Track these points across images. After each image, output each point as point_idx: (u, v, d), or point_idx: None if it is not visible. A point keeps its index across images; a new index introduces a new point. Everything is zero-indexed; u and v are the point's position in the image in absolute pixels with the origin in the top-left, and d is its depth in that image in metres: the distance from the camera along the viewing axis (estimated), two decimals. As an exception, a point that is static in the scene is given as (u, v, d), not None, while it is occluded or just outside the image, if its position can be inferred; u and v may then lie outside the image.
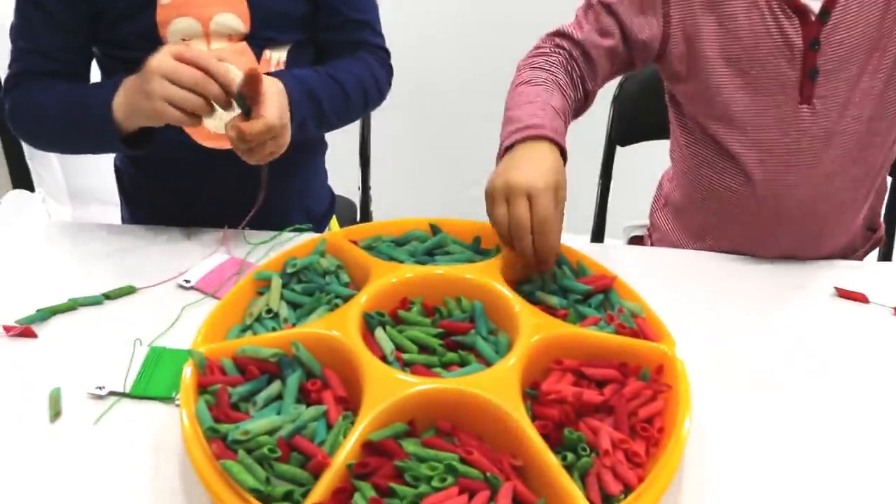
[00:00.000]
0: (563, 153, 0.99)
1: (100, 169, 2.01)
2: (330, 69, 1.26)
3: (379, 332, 0.85)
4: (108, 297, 1.04)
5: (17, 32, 1.19)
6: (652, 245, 1.44)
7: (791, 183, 1.17)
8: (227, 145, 1.14)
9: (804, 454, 0.87)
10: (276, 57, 1.23)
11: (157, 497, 0.78)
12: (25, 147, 2.50)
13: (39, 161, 2.56)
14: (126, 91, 1.05)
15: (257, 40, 1.21)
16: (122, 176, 1.38)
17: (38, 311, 1.00)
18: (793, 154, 1.15)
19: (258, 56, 1.21)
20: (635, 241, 1.57)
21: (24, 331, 0.96)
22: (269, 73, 1.10)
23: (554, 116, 1.03)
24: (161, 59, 0.99)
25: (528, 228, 0.90)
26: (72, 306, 1.02)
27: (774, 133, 1.15)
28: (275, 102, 1.04)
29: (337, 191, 1.57)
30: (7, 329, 0.97)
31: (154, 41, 1.14)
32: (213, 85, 0.98)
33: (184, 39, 1.17)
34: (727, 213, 1.24)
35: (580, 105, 1.18)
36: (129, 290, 1.05)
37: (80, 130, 1.13)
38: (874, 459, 0.87)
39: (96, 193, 2.32)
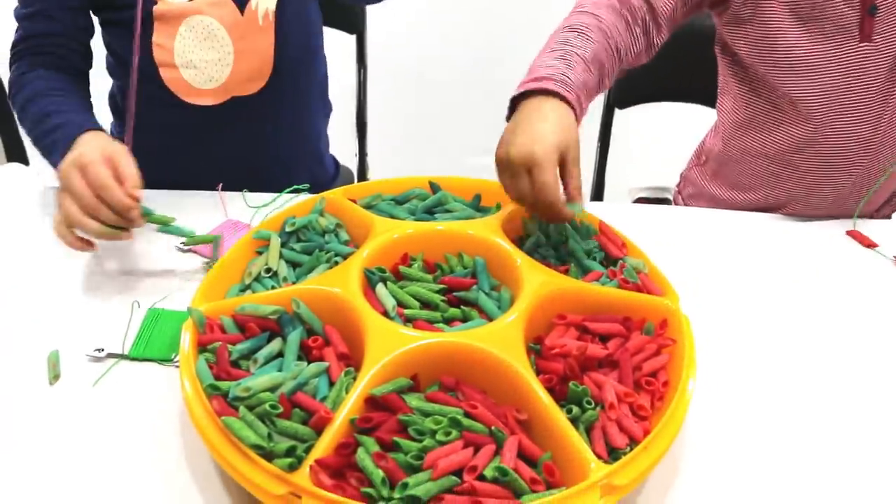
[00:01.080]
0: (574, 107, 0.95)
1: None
2: None
3: (380, 289, 0.84)
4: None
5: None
6: (684, 201, 1.43)
7: (851, 123, 1.16)
8: (213, 100, 1.15)
9: (808, 407, 0.86)
10: (264, 7, 1.19)
11: (157, 457, 0.77)
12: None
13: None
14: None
15: None
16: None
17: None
18: (854, 94, 1.14)
19: (241, 7, 1.18)
20: (640, 202, 1.56)
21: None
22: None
23: (574, 66, 0.98)
24: (69, 174, 0.94)
25: (532, 201, 0.88)
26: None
27: (835, 74, 1.13)
28: None
29: (333, 158, 1.56)
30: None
31: None
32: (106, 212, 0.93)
33: None
34: (783, 162, 1.23)
35: (637, 54, 1.13)
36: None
37: (42, 147, 1.11)
38: (875, 409, 0.87)
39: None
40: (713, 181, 1.36)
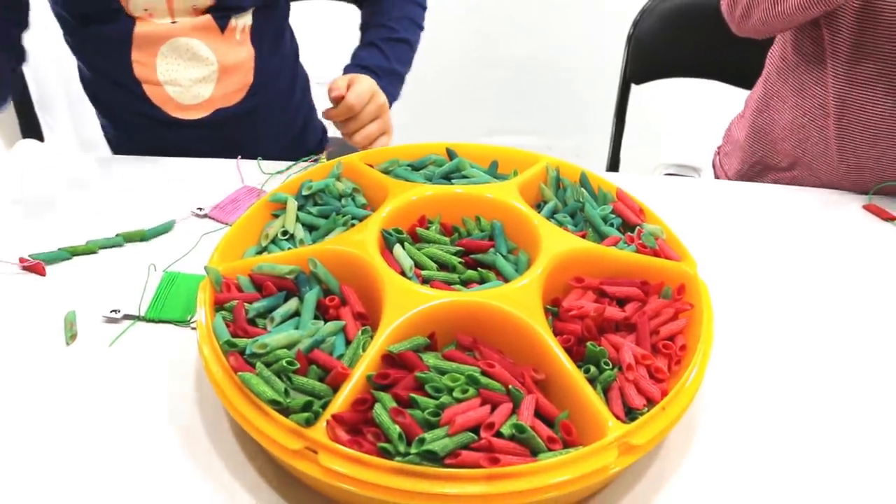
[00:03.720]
0: None
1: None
2: (388, 31, 1.27)
3: (398, 249, 0.84)
4: (126, 238, 1.01)
5: None
6: (720, 160, 1.43)
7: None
8: (198, 115, 1.18)
9: (824, 374, 0.86)
10: (242, 23, 1.21)
11: (172, 415, 0.77)
12: (35, 97, 2.48)
13: (49, 111, 2.55)
14: None
15: (221, 11, 1.17)
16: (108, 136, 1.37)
17: (59, 249, 0.98)
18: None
19: (223, 27, 1.19)
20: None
21: (35, 266, 0.95)
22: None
23: None
24: None
25: None
26: (91, 249, 0.99)
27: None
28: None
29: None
30: (22, 261, 0.95)
31: (117, 11, 1.12)
32: None
33: (146, 10, 1.13)
34: (813, 116, 1.23)
35: None
36: (141, 235, 1.02)
37: None
38: (891, 376, 0.86)
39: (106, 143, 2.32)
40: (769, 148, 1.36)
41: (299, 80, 1.41)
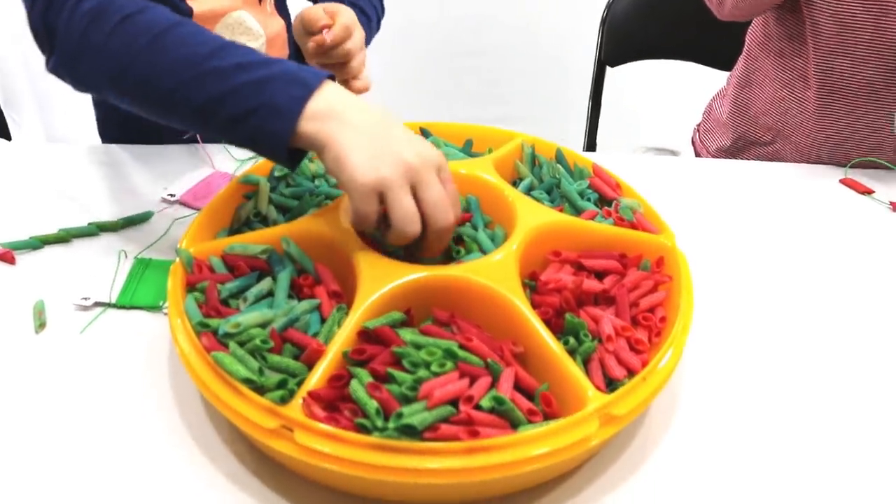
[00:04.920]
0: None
1: (79, 114, 1.98)
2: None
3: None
4: (100, 227, 0.99)
5: None
6: (700, 137, 1.43)
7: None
8: None
9: (802, 344, 0.86)
10: None
11: (145, 402, 0.76)
12: (1, 94, 2.45)
13: (16, 108, 2.52)
14: (338, 110, 0.76)
15: None
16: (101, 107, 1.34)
17: (31, 238, 0.96)
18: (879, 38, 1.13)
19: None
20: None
21: (3, 255, 0.93)
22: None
23: None
24: (437, 156, 0.77)
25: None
26: (64, 238, 0.97)
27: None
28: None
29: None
30: None
31: None
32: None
33: None
34: (793, 88, 1.23)
35: None
36: (116, 226, 0.99)
37: (207, 109, 0.78)
38: (871, 348, 0.87)
39: (75, 139, 2.29)
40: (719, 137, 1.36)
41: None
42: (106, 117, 1.34)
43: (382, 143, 0.74)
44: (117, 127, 1.30)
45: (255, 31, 1.17)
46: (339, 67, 1.09)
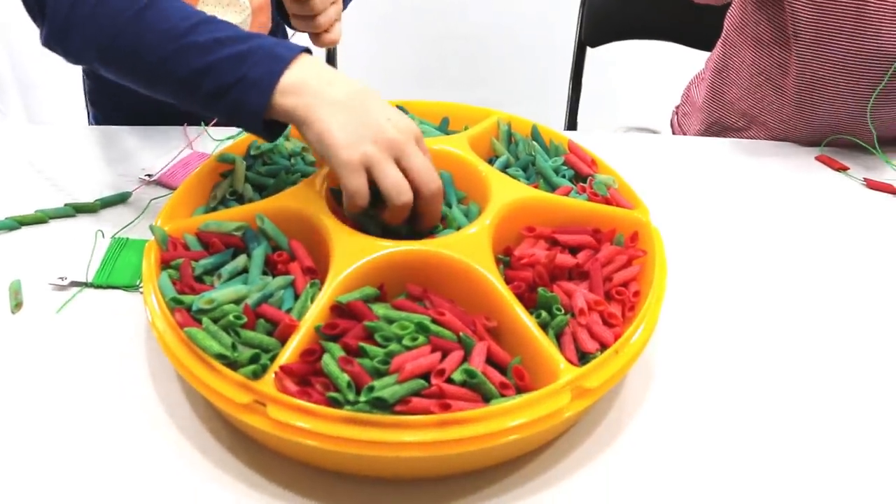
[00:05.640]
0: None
1: (64, 98, 1.97)
2: None
3: None
4: (77, 209, 0.99)
5: None
6: (678, 120, 1.44)
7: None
8: None
9: (775, 317, 0.87)
10: None
11: (121, 380, 0.76)
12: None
13: (0, 97, 2.51)
14: (313, 85, 0.77)
15: None
16: (92, 85, 1.33)
17: (7, 219, 0.95)
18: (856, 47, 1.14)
19: None
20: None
21: None
22: None
23: None
24: (413, 126, 0.79)
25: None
26: (41, 219, 0.97)
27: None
28: None
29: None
30: None
31: None
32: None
33: None
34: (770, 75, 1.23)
35: None
36: (92, 207, 0.99)
37: (188, 82, 0.79)
38: (842, 321, 0.88)
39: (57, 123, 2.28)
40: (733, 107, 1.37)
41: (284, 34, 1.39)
42: (97, 101, 1.33)
43: (361, 118, 0.75)
44: (109, 108, 1.29)
45: (242, 4, 1.16)
46: (312, 20, 1.06)
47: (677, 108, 1.51)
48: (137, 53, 0.80)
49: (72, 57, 0.86)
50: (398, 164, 0.75)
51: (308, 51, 0.79)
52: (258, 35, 0.80)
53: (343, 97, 0.76)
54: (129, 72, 0.83)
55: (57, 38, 0.84)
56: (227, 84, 0.76)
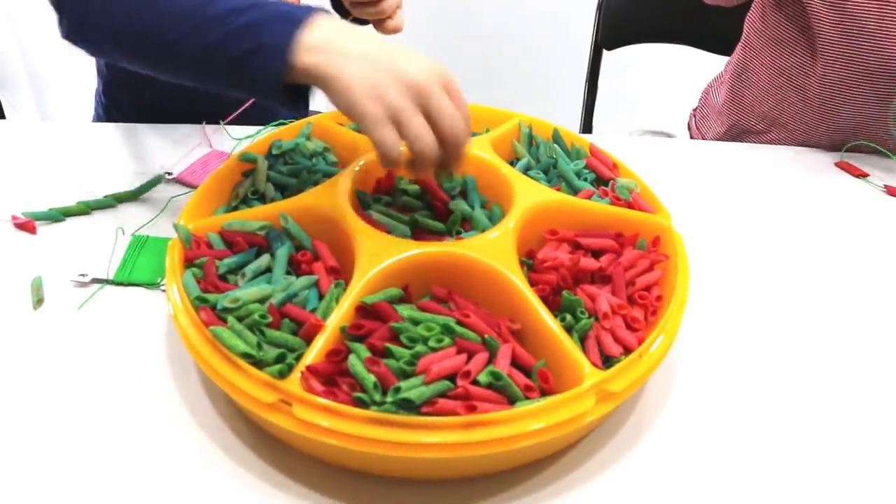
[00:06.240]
0: None
1: (75, 95, 1.98)
2: None
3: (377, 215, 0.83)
4: (118, 199, 0.99)
5: None
6: (696, 123, 1.44)
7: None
8: None
9: (796, 325, 0.87)
10: None
11: (143, 378, 0.76)
12: (-5, 75, 2.45)
13: (11, 90, 2.52)
14: (335, 42, 0.74)
15: None
16: (109, 79, 1.33)
17: (51, 209, 0.96)
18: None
19: None
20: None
21: (26, 224, 0.93)
22: None
23: None
24: (442, 71, 0.75)
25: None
26: (84, 210, 0.97)
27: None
28: None
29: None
30: (14, 218, 0.94)
31: None
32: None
33: None
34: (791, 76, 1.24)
35: None
36: (133, 196, 1.00)
37: (207, 57, 0.78)
38: (865, 324, 0.88)
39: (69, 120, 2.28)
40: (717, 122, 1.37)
41: None
42: (112, 95, 1.33)
43: (384, 65, 0.72)
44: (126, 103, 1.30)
45: None
46: (375, 5, 1.04)
47: (695, 110, 1.51)
48: (155, 36, 0.78)
49: (92, 47, 0.87)
50: (424, 110, 0.72)
51: (327, 12, 0.78)
52: (273, 2, 0.78)
53: (366, 49, 0.73)
54: (148, 57, 0.82)
55: (76, 31, 0.84)
56: (247, 51, 0.74)
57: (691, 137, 1.51)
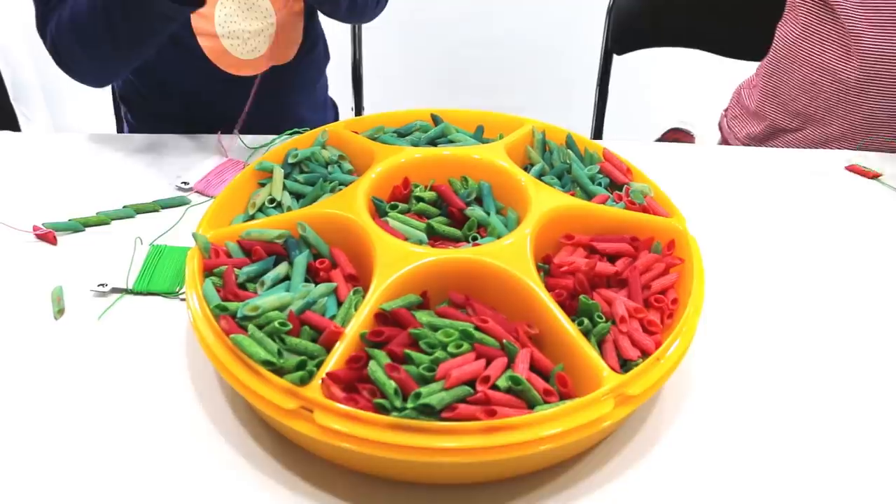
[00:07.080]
0: None
1: (88, 106, 1.99)
2: None
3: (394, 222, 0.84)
4: (138, 210, 1.01)
5: None
6: (727, 123, 1.44)
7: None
8: (255, 72, 1.16)
9: (814, 327, 0.87)
10: None
11: (163, 386, 0.76)
12: (10, 87, 2.45)
13: (25, 103, 2.53)
14: None
15: None
16: (129, 101, 1.35)
17: (71, 220, 0.97)
18: None
19: None
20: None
21: (47, 235, 0.94)
22: None
23: None
24: None
25: None
26: (104, 220, 0.99)
27: None
28: None
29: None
30: (35, 228, 0.95)
31: None
32: None
33: None
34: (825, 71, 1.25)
35: None
36: (154, 208, 1.02)
37: (116, 14, 0.96)
38: (879, 331, 0.88)
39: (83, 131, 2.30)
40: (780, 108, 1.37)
41: (325, 49, 1.40)
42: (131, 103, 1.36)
43: None
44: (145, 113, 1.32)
45: (264, 9, 1.17)
46: None
47: (725, 111, 1.52)
48: (101, 41, 0.99)
49: (79, 76, 1.10)
50: None
51: None
52: None
53: None
54: (112, 54, 1.03)
55: (66, 71, 1.08)
56: None
57: (723, 138, 1.52)
